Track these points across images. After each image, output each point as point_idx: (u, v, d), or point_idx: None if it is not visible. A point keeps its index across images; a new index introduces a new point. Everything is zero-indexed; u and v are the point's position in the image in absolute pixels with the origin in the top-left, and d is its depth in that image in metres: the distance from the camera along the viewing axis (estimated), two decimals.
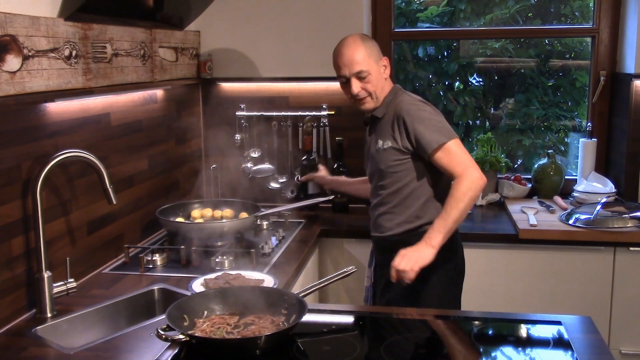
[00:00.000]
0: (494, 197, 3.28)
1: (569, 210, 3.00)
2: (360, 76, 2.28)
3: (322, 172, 2.96)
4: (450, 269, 2.31)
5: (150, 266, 2.38)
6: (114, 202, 2.06)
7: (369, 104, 2.34)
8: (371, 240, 2.53)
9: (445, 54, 3.73)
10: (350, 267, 2.09)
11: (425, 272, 2.14)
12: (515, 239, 2.80)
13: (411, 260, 2.08)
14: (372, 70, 2.28)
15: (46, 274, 1.94)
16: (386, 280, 2.29)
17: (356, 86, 2.29)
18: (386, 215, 2.36)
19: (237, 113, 3.29)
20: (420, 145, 2.21)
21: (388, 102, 2.34)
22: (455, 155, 2.18)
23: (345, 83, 2.33)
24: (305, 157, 3.22)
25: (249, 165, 3.29)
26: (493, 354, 1.72)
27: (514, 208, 3.10)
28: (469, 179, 2.13)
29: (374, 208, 2.43)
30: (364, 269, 2.87)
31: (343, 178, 2.93)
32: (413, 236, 2.25)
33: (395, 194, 2.31)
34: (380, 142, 2.31)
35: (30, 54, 1.91)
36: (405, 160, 2.27)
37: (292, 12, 3.22)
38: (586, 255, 2.79)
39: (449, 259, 2.29)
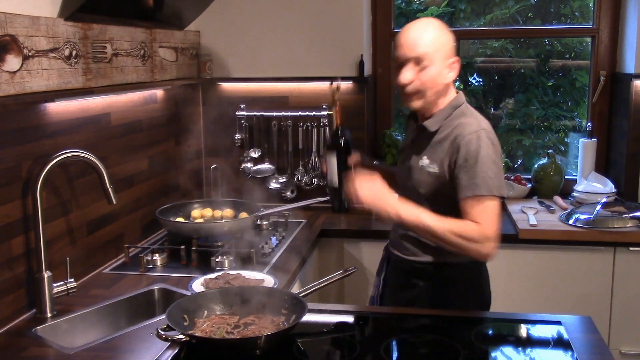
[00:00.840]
0: None
1: (569, 210, 2.99)
2: (416, 64, 1.90)
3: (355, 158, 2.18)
4: (474, 306, 2.09)
5: (150, 266, 2.38)
6: (114, 202, 2.06)
7: (416, 103, 1.96)
8: (385, 250, 2.29)
9: None
10: (351, 267, 2.08)
11: (447, 304, 2.01)
12: (515, 239, 2.79)
13: (373, 201, 1.82)
14: (434, 63, 1.90)
15: (46, 274, 1.94)
16: (397, 304, 2.11)
17: (408, 73, 1.91)
18: (414, 240, 2.05)
19: (237, 113, 3.29)
20: (456, 182, 1.91)
21: (446, 116, 1.98)
22: (485, 212, 1.85)
23: (398, 69, 1.94)
24: (336, 133, 2.08)
25: (249, 165, 3.29)
26: (493, 354, 1.72)
27: (514, 208, 3.10)
28: (481, 243, 1.83)
29: (401, 225, 2.07)
30: (364, 269, 2.88)
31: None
32: (440, 269, 2.04)
33: None
34: (425, 160, 1.98)
35: (30, 54, 1.91)
36: (449, 190, 1.94)
37: (292, 12, 3.22)
38: (586, 255, 2.79)
39: (474, 295, 2.10)
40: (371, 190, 1.86)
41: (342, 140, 2.01)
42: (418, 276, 2.06)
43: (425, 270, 2.05)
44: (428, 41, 1.89)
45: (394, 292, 2.17)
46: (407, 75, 1.91)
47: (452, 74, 1.96)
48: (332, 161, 1.96)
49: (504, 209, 3.17)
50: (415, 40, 1.89)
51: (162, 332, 1.60)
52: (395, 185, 2.09)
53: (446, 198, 1.95)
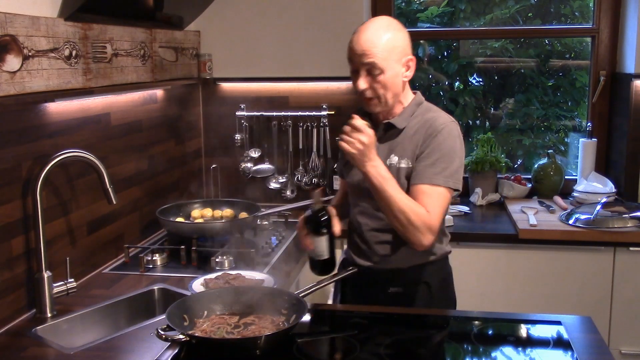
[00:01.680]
0: (494, 197, 3.28)
1: (569, 210, 2.99)
2: (370, 72, 1.88)
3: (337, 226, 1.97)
4: (444, 304, 2.09)
5: (150, 266, 2.38)
6: (114, 202, 2.06)
7: (377, 107, 1.95)
8: (342, 266, 2.16)
9: (445, 54, 3.73)
10: (351, 267, 2.08)
11: (422, 306, 2.02)
12: (515, 239, 2.80)
13: (360, 156, 1.81)
14: (387, 68, 1.87)
15: (46, 274, 1.94)
16: None
17: (363, 81, 1.89)
18: (388, 244, 2.01)
19: (237, 113, 3.29)
20: (416, 167, 1.91)
21: (411, 113, 1.98)
22: (436, 202, 1.86)
23: (354, 73, 1.93)
24: (321, 219, 1.94)
25: (249, 165, 3.29)
26: (493, 354, 1.72)
27: (514, 208, 3.10)
28: (422, 232, 1.84)
29: (369, 232, 2.03)
30: None
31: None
32: (413, 272, 2.02)
33: None
34: (394, 158, 1.96)
35: (30, 54, 1.91)
36: None
37: (292, 12, 3.22)
38: (586, 255, 2.79)
39: (443, 293, 2.08)
40: (359, 154, 1.82)
41: (327, 220, 1.93)
42: (394, 283, 2.02)
43: (401, 276, 2.02)
44: (379, 48, 1.85)
45: (366, 304, 2.06)
46: (362, 83, 1.89)
47: (409, 72, 1.94)
48: (322, 242, 1.93)
49: (504, 208, 3.18)
50: (364, 48, 1.86)
51: (162, 332, 1.60)
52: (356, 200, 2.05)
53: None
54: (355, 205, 2.09)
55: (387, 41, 1.87)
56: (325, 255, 1.95)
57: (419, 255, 1.98)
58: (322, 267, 1.98)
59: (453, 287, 2.15)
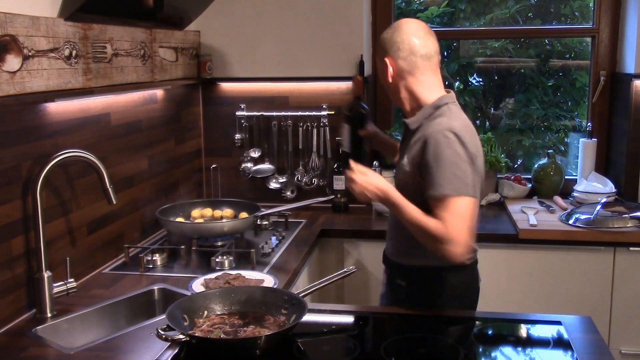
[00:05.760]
0: (494, 197, 3.28)
1: (569, 210, 2.99)
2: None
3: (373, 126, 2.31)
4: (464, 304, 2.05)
5: (150, 266, 2.38)
6: (114, 202, 2.06)
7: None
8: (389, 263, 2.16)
9: (445, 54, 3.73)
10: (351, 267, 2.08)
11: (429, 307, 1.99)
12: (515, 239, 2.79)
13: (366, 182, 1.87)
14: (378, 66, 2.03)
15: (46, 274, 1.94)
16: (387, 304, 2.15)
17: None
18: (399, 243, 2.06)
19: (237, 113, 3.29)
20: (426, 183, 1.85)
21: (426, 116, 1.92)
22: (453, 215, 1.77)
23: None
24: (352, 104, 2.32)
25: (249, 165, 3.30)
26: (493, 354, 1.73)
27: (514, 208, 3.10)
28: (447, 244, 1.76)
29: (399, 229, 1.98)
30: (364, 269, 2.88)
31: (388, 139, 2.38)
32: (421, 272, 2.00)
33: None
34: (405, 159, 1.95)
35: (30, 54, 1.91)
36: (422, 189, 1.88)
37: (291, 12, 3.22)
38: (586, 255, 2.79)
39: (455, 300, 2.02)
40: (365, 175, 1.91)
41: (353, 113, 2.25)
42: (401, 277, 2.05)
43: (408, 272, 2.03)
44: (378, 41, 1.99)
45: (386, 291, 2.18)
46: None
47: (388, 72, 1.94)
48: (345, 132, 2.21)
49: (504, 208, 3.18)
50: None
51: (162, 332, 1.60)
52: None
53: (419, 198, 1.87)
54: None
55: (380, 37, 1.98)
56: (345, 147, 2.20)
57: (426, 257, 1.91)
58: (343, 158, 2.21)
59: (468, 297, 2.05)
